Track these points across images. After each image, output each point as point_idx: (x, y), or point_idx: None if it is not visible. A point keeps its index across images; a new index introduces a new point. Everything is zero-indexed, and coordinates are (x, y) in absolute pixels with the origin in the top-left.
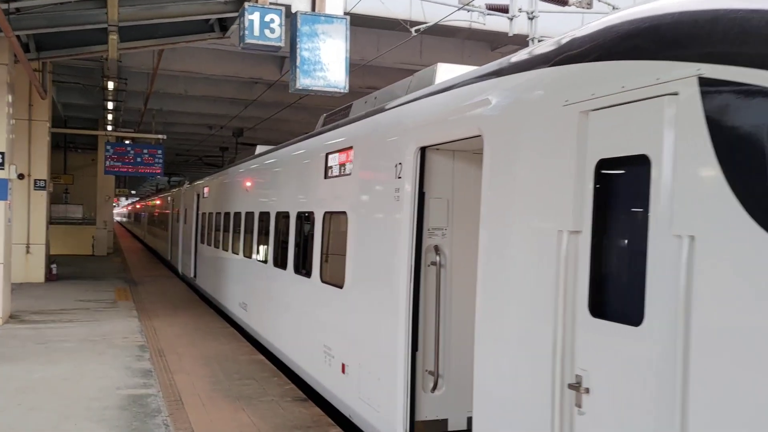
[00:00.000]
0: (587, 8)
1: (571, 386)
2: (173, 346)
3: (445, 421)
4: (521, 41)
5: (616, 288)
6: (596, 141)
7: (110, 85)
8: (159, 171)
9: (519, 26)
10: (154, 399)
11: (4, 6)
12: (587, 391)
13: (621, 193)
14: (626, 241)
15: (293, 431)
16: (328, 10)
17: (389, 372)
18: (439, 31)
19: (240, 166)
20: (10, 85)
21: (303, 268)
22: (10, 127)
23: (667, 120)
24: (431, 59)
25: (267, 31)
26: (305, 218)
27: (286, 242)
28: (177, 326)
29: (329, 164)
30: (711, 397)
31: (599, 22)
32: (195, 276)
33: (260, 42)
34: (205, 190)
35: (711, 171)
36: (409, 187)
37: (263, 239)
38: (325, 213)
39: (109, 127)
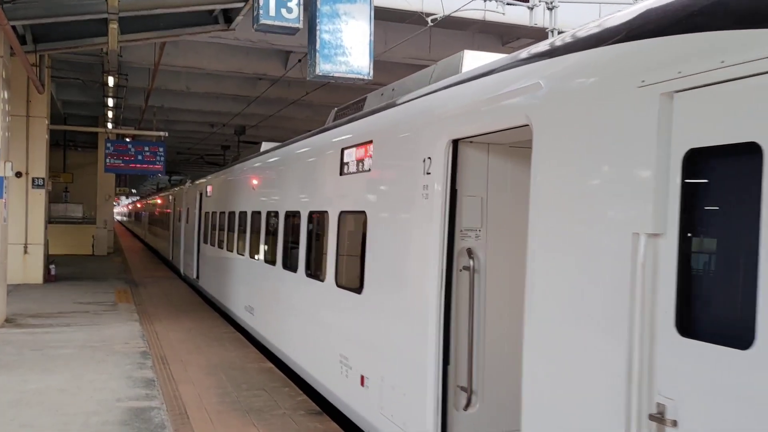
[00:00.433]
0: None
1: (652, 417)
2: (177, 353)
3: None
4: (536, 34)
5: (716, 303)
6: (684, 128)
7: (110, 80)
8: (160, 168)
9: (535, 18)
10: (158, 413)
11: None
12: (674, 424)
13: (721, 189)
14: (730, 248)
15: None
16: None
17: (417, 387)
18: (450, 24)
19: (245, 164)
20: (5, 79)
21: (316, 271)
22: (5, 123)
23: None
24: (440, 54)
25: (284, 11)
26: (318, 218)
27: (296, 243)
28: (180, 331)
29: (345, 160)
30: None
31: None
32: (197, 277)
33: (276, 23)
34: (208, 188)
35: None
36: (439, 184)
37: (271, 240)
38: (341, 212)
39: (110, 125)
